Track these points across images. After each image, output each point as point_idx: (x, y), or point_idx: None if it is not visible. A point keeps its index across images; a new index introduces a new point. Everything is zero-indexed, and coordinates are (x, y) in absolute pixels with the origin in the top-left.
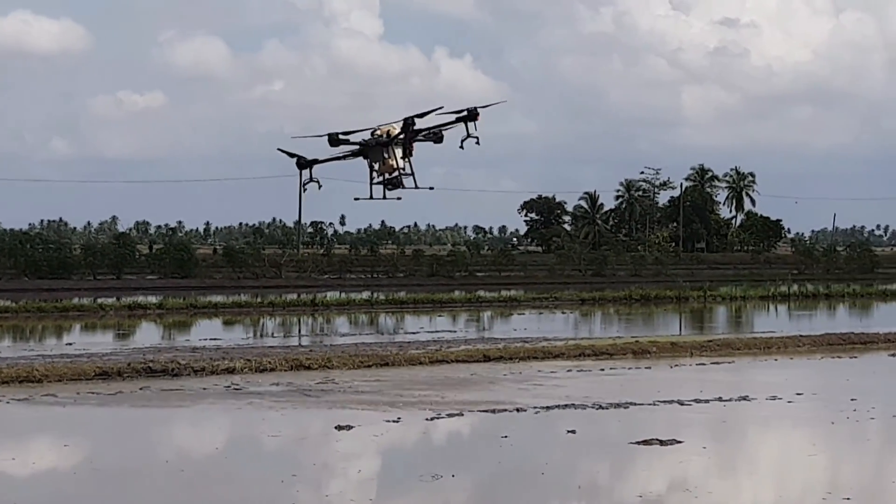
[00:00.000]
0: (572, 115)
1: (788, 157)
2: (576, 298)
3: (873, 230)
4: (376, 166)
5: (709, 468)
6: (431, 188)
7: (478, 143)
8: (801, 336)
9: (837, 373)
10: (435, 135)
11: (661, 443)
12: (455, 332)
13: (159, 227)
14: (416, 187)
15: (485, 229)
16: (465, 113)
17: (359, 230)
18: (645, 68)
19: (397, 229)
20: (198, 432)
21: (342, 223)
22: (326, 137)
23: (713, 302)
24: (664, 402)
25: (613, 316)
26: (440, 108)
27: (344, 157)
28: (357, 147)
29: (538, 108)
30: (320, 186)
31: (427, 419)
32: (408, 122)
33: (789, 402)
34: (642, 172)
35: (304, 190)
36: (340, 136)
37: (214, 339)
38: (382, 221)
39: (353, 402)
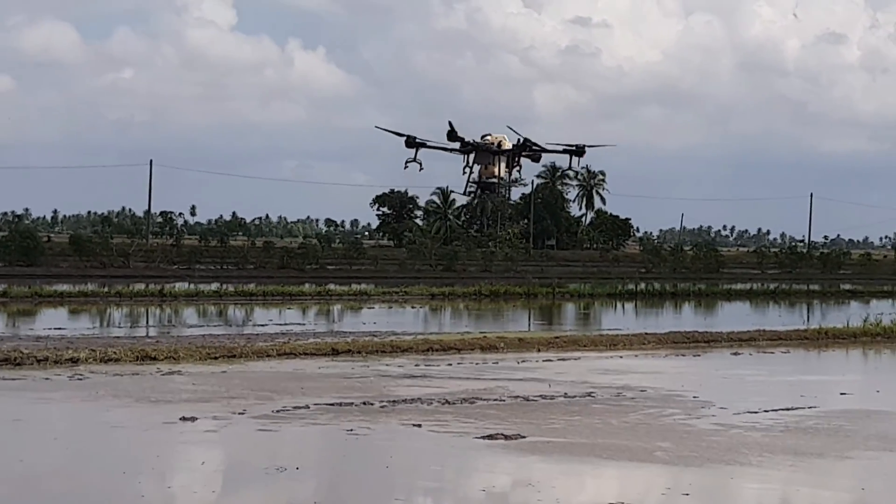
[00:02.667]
0: (425, 110)
1: (638, 156)
2: (426, 293)
3: (720, 230)
4: (478, 168)
5: (552, 463)
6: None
7: (577, 175)
8: (646, 334)
9: (680, 370)
10: (533, 153)
11: (506, 437)
12: (304, 325)
13: (5, 213)
14: (508, 198)
15: (336, 222)
16: (574, 148)
17: (209, 221)
18: (497, 65)
19: (248, 221)
20: (38, 423)
21: (193, 214)
22: (405, 139)
23: (562, 299)
24: (510, 396)
25: (463, 311)
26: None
27: (451, 150)
28: (469, 145)
29: (391, 103)
30: (421, 168)
31: (273, 411)
32: (527, 144)
33: (632, 398)
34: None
35: (406, 167)
36: (417, 140)
37: (59, 328)
38: (234, 213)
39: (200, 393)
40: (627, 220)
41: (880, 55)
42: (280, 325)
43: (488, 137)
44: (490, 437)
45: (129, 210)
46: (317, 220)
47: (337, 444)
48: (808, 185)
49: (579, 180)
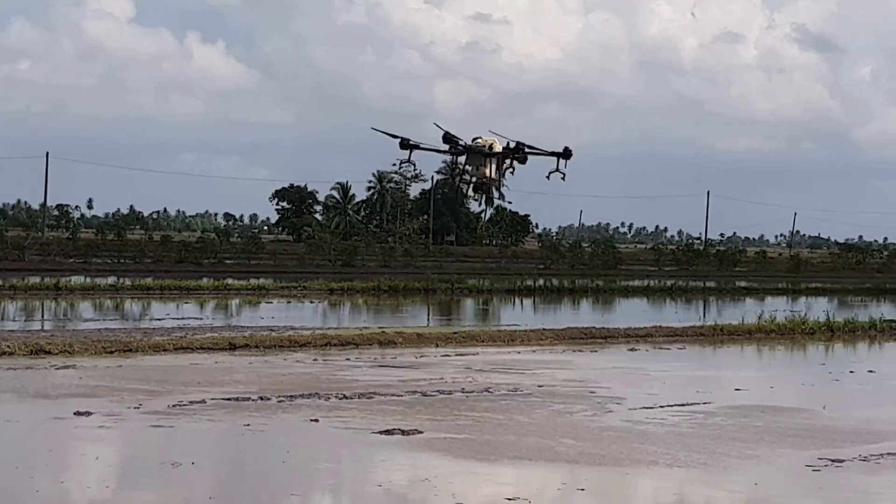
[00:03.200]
0: (326, 105)
1: None
2: (325, 288)
3: (618, 227)
4: (470, 169)
5: (449, 459)
6: (510, 202)
7: (563, 178)
8: (544, 329)
9: (578, 366)
10: (522, 156)
11: (404, 432)
12: (202, 319)
13: None
14: (501, 198)
15: (235, 217)
16: (561, 151)
17: (107, 214)
18: (398, 61)
19: (146, 214)
20: None
21: (90, 207)
22: (399, 140)
23: (461, 294)
24: (408, 392)
25: (362, 306)
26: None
27: (443, 152)
28: (460, 147)
29: (292, 97)
30: (415, 169)
31: (169, 406)
32: (520, 146)
33: (530, 393)
34: (394, 164)
35: (400, 167)
36: (411, 142)
37: None
38: (131, 206)
39: (94, 387)
40: (527, 216)
41: (776, 55)
42: (177, 319)
43: (479, 140)
44: (387, 432)
45: (25, 203)
46: (215, 215)
47: (233, 440)
48: (706, 182)
49: None
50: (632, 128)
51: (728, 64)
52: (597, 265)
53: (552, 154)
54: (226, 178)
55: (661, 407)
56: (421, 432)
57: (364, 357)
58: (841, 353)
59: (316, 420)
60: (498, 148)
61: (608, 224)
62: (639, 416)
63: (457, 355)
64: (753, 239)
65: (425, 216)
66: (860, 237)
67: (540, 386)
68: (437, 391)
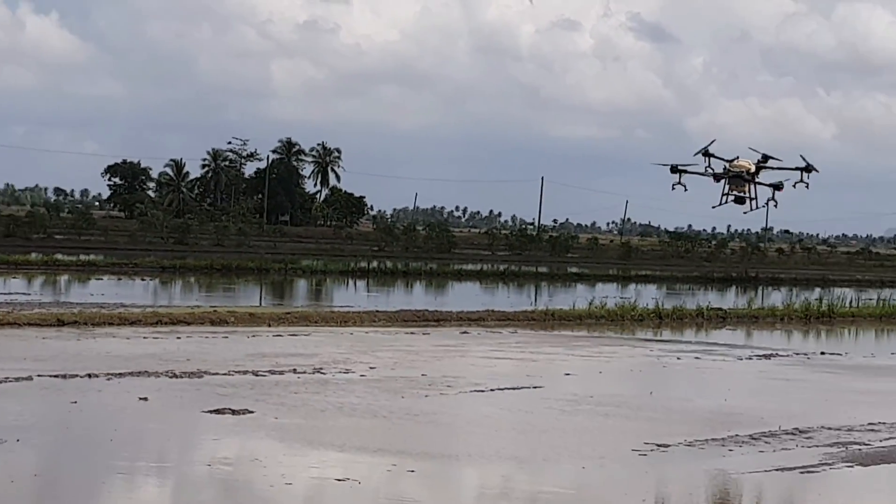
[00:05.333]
0: (160, 80)
1: (374, 135)
2: (157, 266)
3: (452, 211)
4: (728, 188)
5: (279, 439)
6: (775, 203)
7: (807, 187)
8: (377, 311)
9: (408, 348)
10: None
11: (234, 412)
12: (29, 294)
13: None
14: (753, 208)
15: (66, 191)
16: (804, 165)
17: None
18: (235, 38)
19: None
20: None
21: None
22: (668, 167)
23: (294, 275)
24: (238, 372)
25: (194, 285)
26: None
27: (704, 174)
28: (721, 171)
29: (126, 72)
30: (686, 189)
31: None
32: (759, 163)
33: (362, 375)
34: (230, 143)
35: (673, 189)
36: (679, 167)
37: None
38: None
39: None
40: (362, 198)
41: (612, 44)
42: (4, 294)
43: (737, 162)
44: (217, 411)
45: None
46: (46, 189)
47: (60, 417)
48: (540, 168)
49: (314, 156)
50: (468, 112)
51: (564, 51)
52: (431, 248)
53: (795, 168)
54: (57, 151)
55: (491, 390)
56: (251, 412)
57: (195, 335)
58: (669, 340)
59: (145, 398)
60: (752, 169)
61: (443, 207)
62: (469, 399)
63: (289, 335)
64: (586, 226)
65: (260, 195)
66: (689, 226)
67: (373, 367)
68: (269, 371)
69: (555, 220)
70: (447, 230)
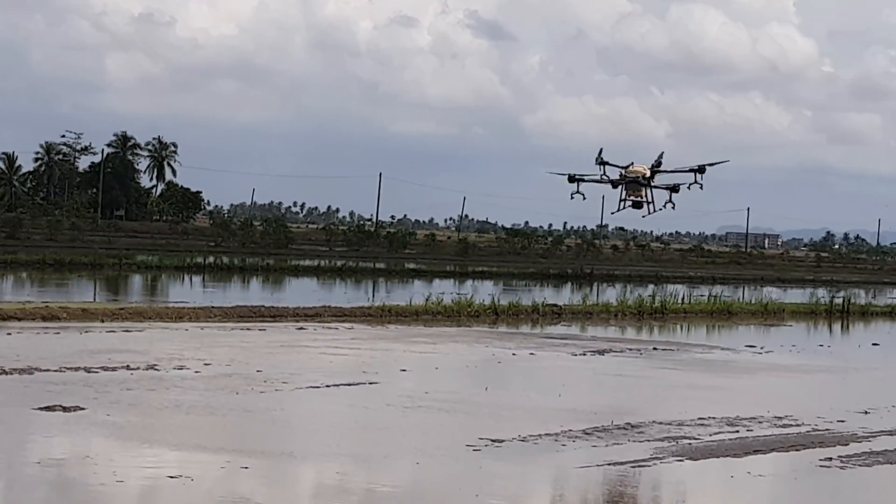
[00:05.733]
0: None
1: (211, 129)
2: None
3: (290, 207)
4: (625, 194)
5: (110, 437)
6: (673, 206)
7: (701, 188)
8: (213, 307)
9: (244, 344)
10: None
11: (65, 409)
12: None
13: None
14: (651, 212)
15: None
16: (696, 167)
17: None
18: (69, 30)
19: None
20: None
21: None
22: (566, 177)
23: (129, 270)
24: (70, 368)
25: (26, 280)
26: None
27: (601, 182)
28: (617, 178)
29: None
30: (584, 198)
31: None
32: (653, 170)
33: (197, 371)
34: (63, 136)
35: (572, 198)
36: (577, 176)
37: None
38: None
39: None
40: (198, 193)
41: (450, 41)
42: None
43: (632, 168)
44: (48, 408)
45: None
46: None
47: None
48: (378, 164)
49: (150, 151)
50: (306, 107)
51: (402, 47)
52: (268, 244)
53: (689, 170)
54: None
55: (327, 386)
56: (83, 409)
57: (27, 332)
58: (505, 336)
59: None
60: (648, 173)
61: (280, 203)
62: (306, 396)
63: (123, 331)
64: (424, 222)
65: (94, 190)
66: (526, 223)
67: (207, 364)
68: (102, 368)
69: (392, 217)
70: (284, 226)
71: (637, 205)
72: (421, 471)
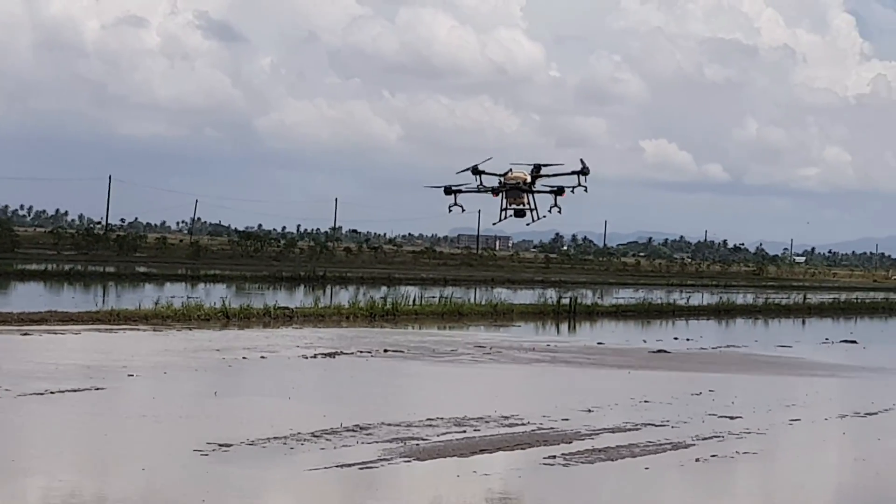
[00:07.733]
0: None
1: None
2: None
3: (17, 210)
4: (507, 202)
5: None
6: (559, 210)
7: (586, 191)
8: None
9: None
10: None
11: None
12: None
13: None
14: (535, 219)
15: None
16: (580, 169)
17: None
18: None
19: None
20: None
21: None
22: (443, 189)
23: None
24: None
25: None
26: (561, 164)
27: (479, 191)
28: (497, 185)
29: None
30: (463, 210)
31: None
32: (534, 173)
33: None
34: None
35: (451, 211)
36: (454, 187)
37: None
38: None
39: None
40: None
41: (179, 42)
42: None
43: (510, 174)
44: None
45: None
46: None
47: None
48: (108, 166)
49: None
50: (32, 108)
51: (131, 48)
52: None
53: (572, 173)
54: None
55: (52, 393)
56: None
57: None
58: (233, 339)
59: None
60: (528, 179)
61: (7, 206)
62: (28, 403)
63: None
64: (156, 225)
65: None
66: (260, 225)
67: None
68: None
69: (123, 220)
70: (10, 229)
71: (519, 213)
72: (147, 477)
